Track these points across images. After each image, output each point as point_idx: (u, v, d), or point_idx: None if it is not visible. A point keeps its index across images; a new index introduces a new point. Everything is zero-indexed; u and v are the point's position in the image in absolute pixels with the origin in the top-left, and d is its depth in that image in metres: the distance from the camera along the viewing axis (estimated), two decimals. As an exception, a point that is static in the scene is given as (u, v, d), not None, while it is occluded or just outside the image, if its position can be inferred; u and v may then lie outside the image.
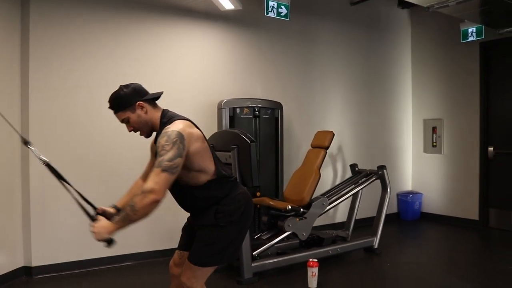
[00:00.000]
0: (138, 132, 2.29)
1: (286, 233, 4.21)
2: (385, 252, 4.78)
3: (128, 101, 2.20)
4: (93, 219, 2.13)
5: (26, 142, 2.28)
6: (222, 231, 2.27)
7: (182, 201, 2.38)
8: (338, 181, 5.81)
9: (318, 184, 4.50)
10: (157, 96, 2.29)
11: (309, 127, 5.59)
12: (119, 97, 2.20)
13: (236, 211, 2.30)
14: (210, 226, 2.28)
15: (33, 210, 4.04)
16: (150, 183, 1.96)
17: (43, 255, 4.09)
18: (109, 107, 2.25)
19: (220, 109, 4.81)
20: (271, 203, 4.27)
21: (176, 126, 2.11)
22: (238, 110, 4.85)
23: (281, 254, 4.30)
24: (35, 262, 4.06)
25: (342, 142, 6.04)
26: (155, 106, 2.29)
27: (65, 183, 2.23)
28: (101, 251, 4.29)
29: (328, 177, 5.92)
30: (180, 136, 2.06)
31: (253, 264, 3.86)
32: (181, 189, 2.28)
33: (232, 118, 4.82)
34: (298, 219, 4.18)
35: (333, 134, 4.72)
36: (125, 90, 2.22)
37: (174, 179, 2.02)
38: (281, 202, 4.30)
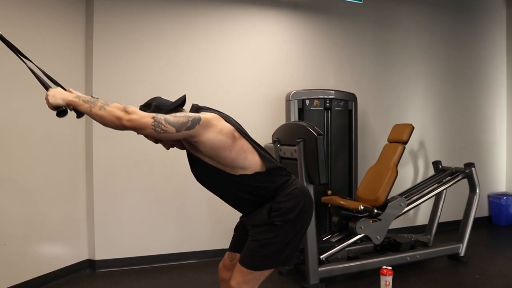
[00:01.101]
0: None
1: (358, 236, 3.83)
2: (473, 262, 4.21)
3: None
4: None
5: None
6: (277, 231, 2.02)
7: (231, 196, 2.15)
8: (419, 180, 5.29)
9: (396, 183, 4.07)
10: (178, 103, 2.11)
11: (386, 120, 5.13)
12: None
13: (293, 208, 2.04)
14: (264, 225, 2.04)
15: (96, 204, 4.05)
16: (138, 111, 1.84)
17: (107, 249, 4.11)
18: None
19: (288, 101, 4.54)
20: (341, 202, 3.91)
21: (201, 114, 1.96)
22: (307, 102, 4.54)
23: (352, 258, 3.94)
24: (98, 256, 4.09)
25: (424, 136, 5.49)
26: (182, 112, 2.08)
27: (23, 58, 2.05)
28: (164, 248, 4.31)
29: (407, 175, 5.41)
30: (198, 118, 1.90)
31: (320, 269, 3.55)
32: (228, 181, 2.06)
33: (301, 111, 4.53)
34: (371, 221, 3.79)
35: (413, 128, 4.25)
36: (142, 109, 2.05)
37: (147, 134, 1.86)
38: (352, 202, 3.94)
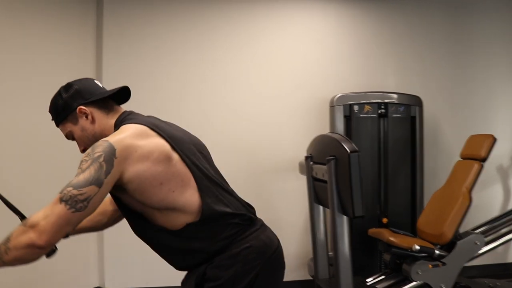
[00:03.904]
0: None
1: (414, 283, 2.92)
2: None
3: (66, 107, 1.43)
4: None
5: None
6: None
7: (162, 254, 1.49)
8: (508, 208, 4.16)
9: (470, 213, 3.09)
10: (110, 93, 1.46)
11: (463, 130, 4.07)
12: (55, 102, 1.48)
13: (237, 280, 1.33)
14: None
15: (106, 231, 3.61)
16: (39, 215, 1.22)
17: (115, 278, 3.76)
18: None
19: (332, 106, 3.74)
20: (391, 239, 3.02)
21: (115, 135, 1.33)
22: (356, 107, 3.70)
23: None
24: (108, 284, 3.73)
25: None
26: (110, 109, 1.46)
27: None
28: (167, 280, 3.77)
29: (488, 202, 4.25)
30: (110, 150, 1.23)
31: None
32: (157, 235, 1.41)
33: (348, 118, 3.73)
34: (431, 265, 2.86)
35: (494, 140, 3.22)
36: (63, 92, 1.45)
37: (79, 220, 1.24)
38: (406, 238, 3.03)
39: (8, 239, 1.23)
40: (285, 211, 3.93)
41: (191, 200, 1.36)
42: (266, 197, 3.93)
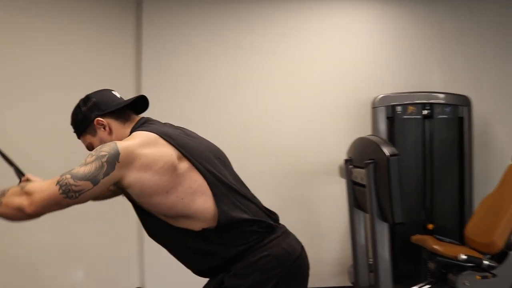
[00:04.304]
0: None
1: (461, 295, 2.75)
2: None
3: (85, 120, 1.47)
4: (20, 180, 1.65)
5: None
6: None
7: (181, 257, 1.50)
8: None
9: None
10: (128, 102, 1.49)
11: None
12: (74, 115, 1.54)
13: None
14: None
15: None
16: (36, 186, 1.31)
17: (155, 280, 3.75)
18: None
19: (374, 108, 3.61)
20: (435, 247, 2.86)
21: (125, 140, 1.36)
22: (399, 108, 3.55)
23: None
24: (148, 285, 3.75)
25: None
26: (127, 119, 1.48)
27: None
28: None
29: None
30: (115, 153, 1.26)
31: None
32: (176, 235, 1.41)
33: (391, 120, 3.58)
34: (479, 276, 2.68)
35: (551, 142, 3.00)
36: (82, 105, 1.49)
37: (68, 205, 1.30)
38: (451, 246, 2.87)
39: (3, 194, 1.32)
40: (326, 215, 3.83)
41: (204, 207, 1.34)
42: (306, 201, 3.85)
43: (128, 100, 1.50)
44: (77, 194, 1.26)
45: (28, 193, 1.27)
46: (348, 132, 3.67)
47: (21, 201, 1.27)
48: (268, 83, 3.82)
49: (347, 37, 3.90)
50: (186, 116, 3.62)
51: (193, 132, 1.55)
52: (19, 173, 1.67)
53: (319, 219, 3.79)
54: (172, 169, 1.32)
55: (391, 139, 3.51)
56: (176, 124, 1.58)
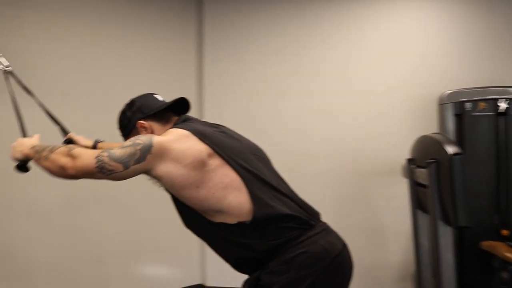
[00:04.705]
0: None
1: (536, 308, 2.52)
2: None
3: (129, 123, 1.57)
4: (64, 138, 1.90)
5: None
6: None
7: (218, 249, 1.54)
8: None
9: None
10: (168, 105, 1.56)
11: None
12: (120, 120, 1.66)
13: (292, 286, 1.30)
14: None
15: None
16: (83, 152, 1.43)
17: (216, 276, 3.83)
18: None
19: (441, 104, 3.41)
20: (507, 254, 2.64)
21: (160, 136, 1.44)
22: (468, 105, 3.31)
23: None
24: (209, 282, 3.87)
25: None
26: (167, 120, 1.55)
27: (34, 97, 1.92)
28: None
29: None
30: (148, 145, 1.33)
31: None
32: (209, 228, 1.44)
33: (459, 118, 3.34)
34: (559, 288, 2.44)
35: None
36: (126, 110, 1.59)
37: (101, 178, 1.40)
38: (526, 255, 2.63)
39: (52, 150, 1.47)
40: (388, 217, 3.66)
41: (237, 201, 1.36)
42: (367, 202, 3.71)
43: (168, 102, 1.56)
44: (108, 173, 1.36)
45: (72, 156, 1.40)
46: (413, 130, 3.48)
47: (66, 161, 1.40)
48: (330, 82, 3.78)
49: (415, 31, 3.73)
50: (247, 120, 3.66)
51: (232, 131, 1.58)
52: (64, 131, 1.91)
53: (381, 221, 3.64)
54: (201, 165, 1.36)
55: (460, 137, 3.29)
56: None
